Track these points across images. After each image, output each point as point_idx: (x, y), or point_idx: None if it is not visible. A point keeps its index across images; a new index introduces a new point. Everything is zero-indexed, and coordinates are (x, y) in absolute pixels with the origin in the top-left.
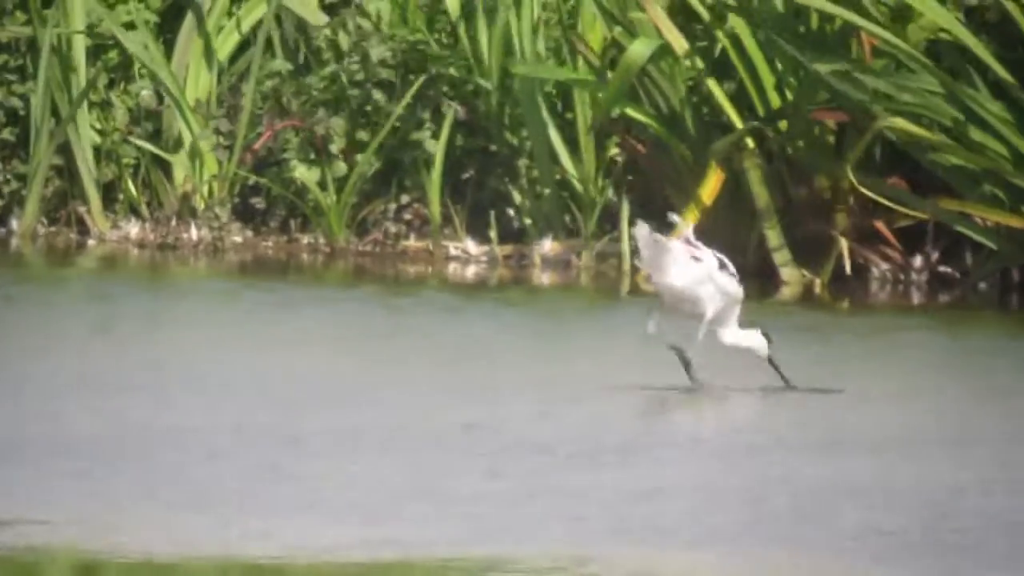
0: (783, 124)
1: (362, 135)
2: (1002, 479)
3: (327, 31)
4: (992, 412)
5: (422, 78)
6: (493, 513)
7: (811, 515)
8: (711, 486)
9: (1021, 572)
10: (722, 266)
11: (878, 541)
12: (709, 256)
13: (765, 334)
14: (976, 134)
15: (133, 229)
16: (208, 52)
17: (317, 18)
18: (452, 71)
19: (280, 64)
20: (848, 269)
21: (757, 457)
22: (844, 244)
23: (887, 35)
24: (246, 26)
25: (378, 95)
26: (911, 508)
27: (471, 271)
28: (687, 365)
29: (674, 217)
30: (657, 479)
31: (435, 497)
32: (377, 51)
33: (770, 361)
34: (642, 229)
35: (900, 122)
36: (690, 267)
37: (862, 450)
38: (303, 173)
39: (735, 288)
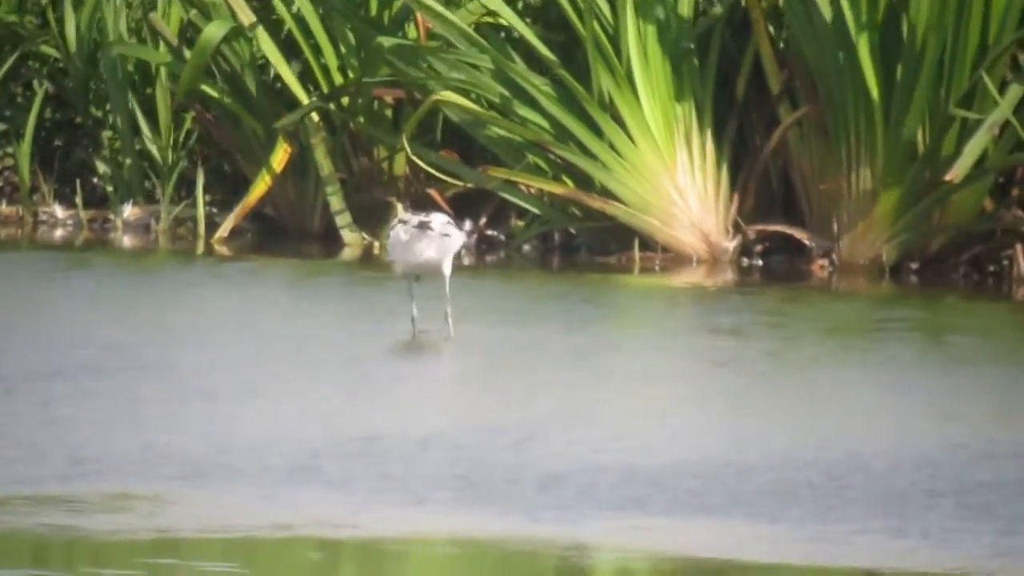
0: (345, 100)
1: None
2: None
3: None
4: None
5: (14, 56)
6: None
7: None
8: None
9: None
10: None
11: None
12: (456, 231)
13: None
14: (521, 109)
15: None
16: None
17: None
18: (43, 49)
19: None
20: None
21: None
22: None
23: (442, 15)
24: None
25: None
26: None
27: (58, 234)
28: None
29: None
30: None
31: None
32: None
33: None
34: (407, 218)
35: (452, 97)
36: (446, 241)
37: None
38: None
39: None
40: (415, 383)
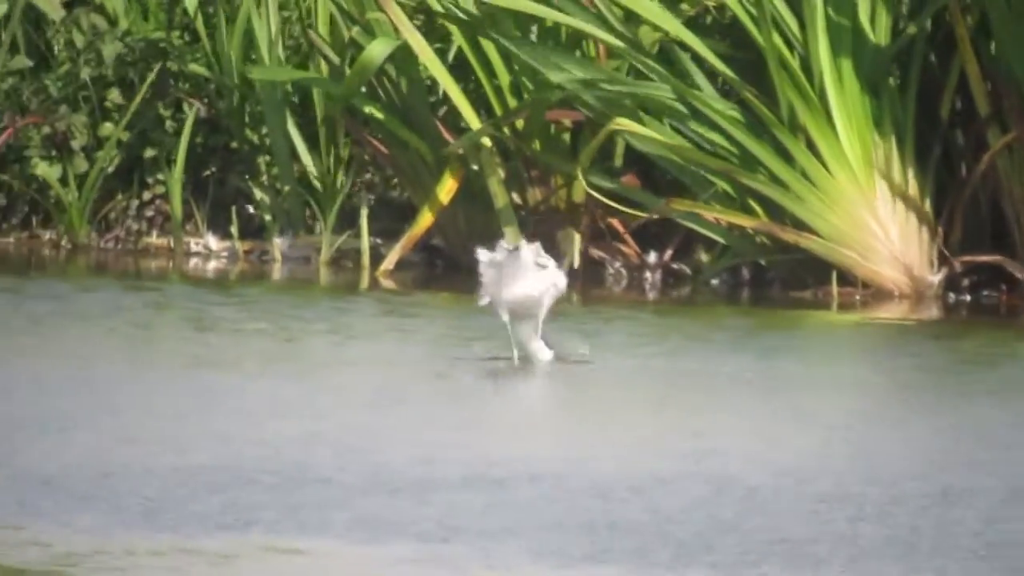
0: (520, 124)
1: (106, 130)
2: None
3: (62, 29)
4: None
5: (153, 73)
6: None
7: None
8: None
9: None
10: (558, 266)
11: None
12: (551, 261)
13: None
14: (706, 134)
15: None
16: None
17: (57, 11)
18: (194, 68)
19: (20, 61)
20: (577, 264)
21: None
22: (578, 241)
23: (618, 41)
24: None
25: (115, 93)
26: None
27: (212, 266)
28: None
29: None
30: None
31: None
32: (110, 49)
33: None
34: (497, 252)
35: (632, 123)
36: (539, 275)
37: None
38: (44, 170)
39: (564, 283)
40: (583, 420)
